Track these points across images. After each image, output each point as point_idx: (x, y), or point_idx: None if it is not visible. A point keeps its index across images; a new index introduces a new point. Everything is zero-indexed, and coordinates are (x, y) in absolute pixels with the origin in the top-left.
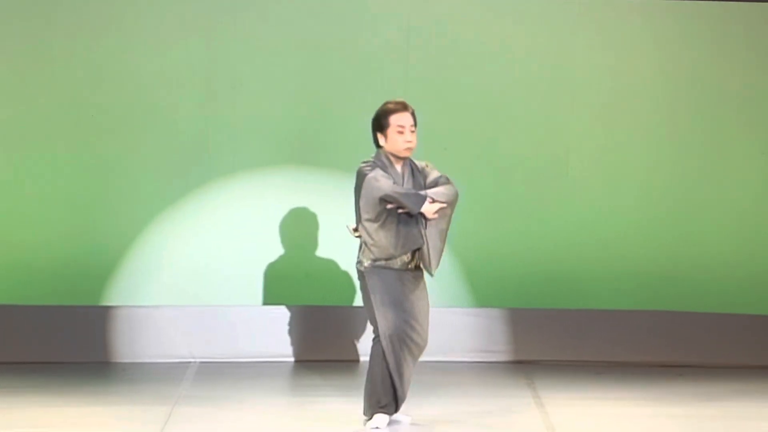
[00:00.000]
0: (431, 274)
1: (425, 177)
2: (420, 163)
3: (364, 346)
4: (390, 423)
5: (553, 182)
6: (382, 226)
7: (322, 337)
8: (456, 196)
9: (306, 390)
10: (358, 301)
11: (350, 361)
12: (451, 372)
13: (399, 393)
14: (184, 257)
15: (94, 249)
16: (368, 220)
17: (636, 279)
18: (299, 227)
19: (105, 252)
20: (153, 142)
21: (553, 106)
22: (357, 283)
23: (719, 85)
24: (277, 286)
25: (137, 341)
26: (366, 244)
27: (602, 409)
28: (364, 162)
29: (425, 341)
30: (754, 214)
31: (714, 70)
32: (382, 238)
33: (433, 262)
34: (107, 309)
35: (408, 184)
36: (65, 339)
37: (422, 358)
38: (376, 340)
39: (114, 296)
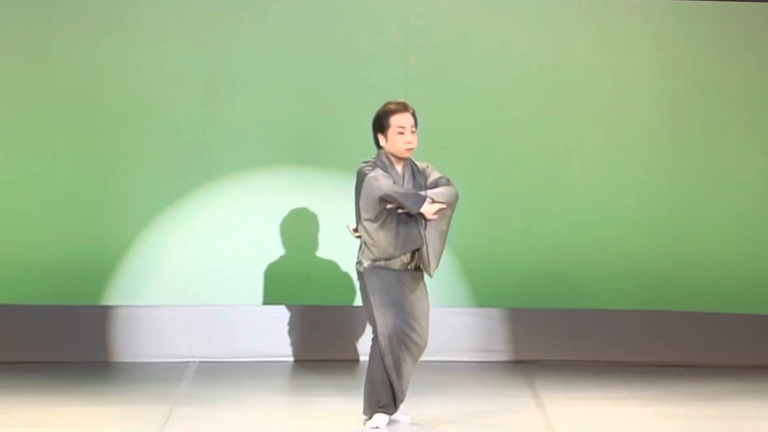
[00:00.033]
0: (430, 275)
1: (426, 178)
2: (421, 164)
3: (364, 345)
4: (390, 423)
5: (553, 182)
6: (382, 226)
7: (322, 337)
8: (456, 197)
9: (305, 390)
10: (358, 301)
11: (350, 361)
12: (451, 372)
13: (397, 393)
14: (184, 257)
15: (94, 249)
16: (368, 219)
17: (636, 279)
18: (299, 227)
19: (105, 252)
20: (153, 142)
21: (553, 106)
22: (357, 284)
23: (719, 85)
24: (277, 286)
25: (137, 341)
26: (366, 244)
27: (602, 408)
28: (365, 162)
29: (425, 341)
30: (754, 214)
31: (714, 70)
32: (382, 238)
33: (432, 264)
34: (107, 309)
35: (408, 185)
36: (65, 339)
37: (422, 358)
38: (376, 340)
39: (114, 296)
